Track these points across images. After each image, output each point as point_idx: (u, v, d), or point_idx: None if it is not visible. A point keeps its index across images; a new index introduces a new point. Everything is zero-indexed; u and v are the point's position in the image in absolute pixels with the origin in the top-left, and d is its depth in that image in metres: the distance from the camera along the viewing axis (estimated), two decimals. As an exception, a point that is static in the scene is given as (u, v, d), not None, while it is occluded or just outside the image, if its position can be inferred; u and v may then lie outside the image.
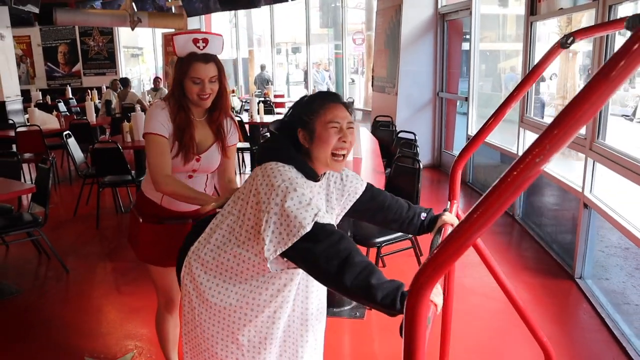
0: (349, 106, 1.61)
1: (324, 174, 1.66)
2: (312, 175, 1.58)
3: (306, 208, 1.39)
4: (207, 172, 2.25)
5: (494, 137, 5.60)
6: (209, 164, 2.21)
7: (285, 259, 1.44)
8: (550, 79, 7.89)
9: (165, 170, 2.06)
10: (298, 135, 1.57)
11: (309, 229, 1.36)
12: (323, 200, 1.70)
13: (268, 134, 1.67)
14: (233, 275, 1.57)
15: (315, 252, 1.35)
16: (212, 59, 2.10)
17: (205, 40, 2.08)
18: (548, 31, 5.56)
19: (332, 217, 1.73)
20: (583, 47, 6.17)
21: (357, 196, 1.76)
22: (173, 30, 11.78)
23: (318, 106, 1.57)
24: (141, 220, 2.22)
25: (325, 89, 10.81)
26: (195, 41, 2.07)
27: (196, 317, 1.64)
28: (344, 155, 1.57)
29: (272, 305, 1.59)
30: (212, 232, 1.62)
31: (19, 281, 3.94)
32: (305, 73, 11.90)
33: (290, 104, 1.71)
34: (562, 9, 4.04)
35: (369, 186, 1.80)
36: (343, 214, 1.79)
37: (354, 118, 1.66)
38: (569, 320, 3.26)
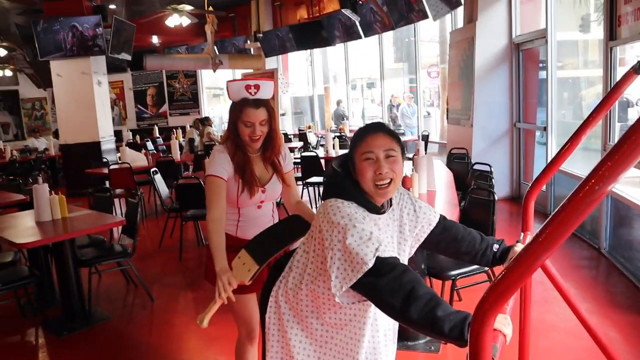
0: (391, 133, 1.62)
1: (390, 205, 1.68)
2: (374, 208, 1.61)
3: (367, 244, 1.43)
4: (272, 200, 2.45)
5: (576, 167, 5.38)
6: (273, 193, 2.41)
7: (354, 292, 1.49)
8: (637, 104, 7.49)
9: (216, 211, 2.24)
10: (350, 169, 1.63)
11: (371, 264, 1.39)
12: (395, 232, 1.72)
13: (331, 169, 1.72)
14: (314, 310, 1.64)
15: (379, 286, 1.39)
16: (262, 104, 2.26)
17: (257, 87, 2.24)
18: (635, 54, 5.33)
19: (406, 248, 1.75)
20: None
21: (432, 227, 1.76)
22: (252, 70, 12.34)
23: (355, 139, 1.63)
24: None
25: (414, 124, 10.66)
26: (248, 87, 2.23)
27: (285, 354, 1.72)
28: (387, 184, 1.58)
29: (351, 337, 1.64)
30: (290, 270, 1.71)
31: (109, 308, 4.21)
32: (390, 107, 11.93)
33: None
34: (644, 33, 3.89)
35: (442, 218, 1.80)
36: (417, 245, 1.80)
37: (404, 146, 1.66)
38: (663, 361, 3.04)
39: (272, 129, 2.33)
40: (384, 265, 1.40)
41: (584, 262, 4.60)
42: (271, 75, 12.04)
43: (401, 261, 1.59)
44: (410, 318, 1.33)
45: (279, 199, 2.57)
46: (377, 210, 1.62)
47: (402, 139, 1.83)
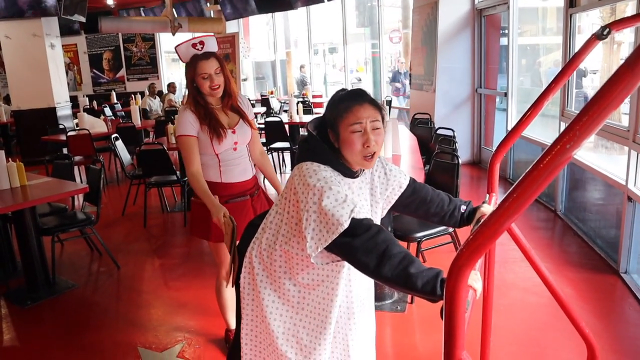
0: (375, 103, 1.63)
1: (362, 169, 1.71)
2: (349, 173, 1.64)
3: (342, 205, 1.46)
4: (245, 143, 2.64)
5: (535, 132, 5.54)
6: (244, 134, 2.61)
7: (329, 253, 1.52)
8: (594, 73, 7.70)
9: (193, 166, 2.48)
10: (329, 135, 1.63)
11: (346, 225, 1.43)
12: (367, 195, 1.75)
13: (306, 132, 1.73)
14: (287, 270, 1.67)
15: (354, 246, 1.42)
16: (211, 55, 2.47)
17: (202, 43, 2.46)
18: (591, 22, 5.46)
19: (378, 210, 1.79)
20: (628, 37, 6.02)
21: (402, 190, 1.80)
22: (212, 34, 12.04)
23: (342, 109, 1.61)
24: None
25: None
26: (194, 45, 2.45)
27: (258, 314, 1.74)
28: (373, 154, 1.60)
29: (324, 297, 1.68)
30: (263, 231, 1.72)
31: (74, 276, 4.16)
32: (396, 74, 11.73)
33: None
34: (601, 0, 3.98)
35: (412, 180, 1.84)
36: (388, 207, 1.83)
37: (385, 114, 1.68)
38: (613, 315, 3.23)
39: (226, 77, 2.52)
40: (359, 226, 1.43)
41: (541, 224, 4.79)
42: (232, 39, 11.80)
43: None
44: (385, 275, 1.38)
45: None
46: (352, 174, 1.65)
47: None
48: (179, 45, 2.46)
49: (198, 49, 2.45)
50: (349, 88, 1.78)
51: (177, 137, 2.52)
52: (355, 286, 1.77)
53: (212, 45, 2.48)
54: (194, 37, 2.51)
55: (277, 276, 1.69)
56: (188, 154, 2.49)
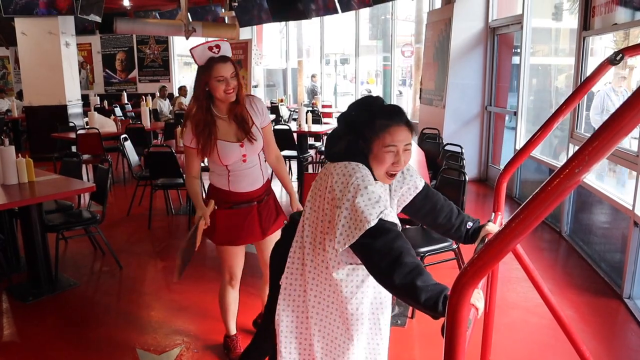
0: (410, 125, 1.65)
1: None
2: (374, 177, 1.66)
3: (374, 205, 1.49)
4: (256, 153, 2.61)
5: (544, 153, 5.53)
6: (254, 145, 2.56)
7: (353, 252, 1.55)
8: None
9: (191, 173, 2.60)
10: (359, 141, 1.64)
11: (373, 224, 1.45)
12: (387, 196, 1.76)
13: (337, 126, 1.73)
14: (325, 267, 1.67)
15: (373, 248, 1.45)
16: (228, 59, 2.47)
17: (218, 46, 2.44)
18: (604, 45, 5.46)
19: (393, 210, 1.79)
20: (640, 63, 6.01)
21: (417, 191, 1.82)
22: (225, 39, 12.11)
23: (379, 127, 1.61)
24: (216, 207, 2.56)
25: None
26: (210, 48, 2.43)
27: (302, 311, 1.79)
28: (396, 173, 1.65)
29: (354, 299, 1.68)
30: (301, 227, 1.74)
31: (76, 275, 4.17)
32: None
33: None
34: (616, 24, 3.98)
35: (426, 185, 1.85)
36: (402, 206, 1.85)
37: (415, 135, 1.72)
38: (615, 340, 3.20)
39: (239, 83, 2.50)
40: (383, 228, 1.46)
41: (546, 245, 4.77)
42: (245, 45, 11.87)
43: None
44: (393, 282, 1.40)
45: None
46: (374, 178, 1.66)
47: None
48: (194, 47, 2.45)
49: (214, 52, 2.44)
50: (373, 95, 1.79)
51: (184, 146, 2.60)
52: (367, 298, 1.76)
53: (227, 50, 2.48)
54: (209, 40, 2.52)
55: (317, 272, 1.70)
56: (187, 163, 2.62)
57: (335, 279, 1.66)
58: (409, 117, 1.68)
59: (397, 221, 1.52)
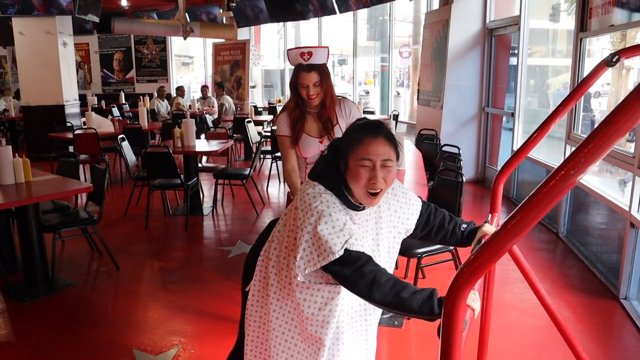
0: (391, 139, 1.55)
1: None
2: (352, 206, 1.58)
3: (338, 234, 1.45)
4: None
5: (540, 154, 5.54)
6: None
7: (324, 273, 1.52)
8: (597, 97, 7.70)
9: (288, 164, 2.85)
10: (340, 162, 1.58)
11: (338, 255, 1.43)
12: (372, 227, 1.68)
13: (327, 153, 1.68)
14: (288, 283, 1.63)
15: (343, 275, 1.45)
16: (314, 68, 2.66)
17: (310, 53, 2.63)
18: (601, 46, 5.47)
19: (383, 240, 1.72)
20: (638, 64, 6.02)
21: (417, 217, 1.78)
22: (223, 40, 12.12)
23: (354, 140, 1.54)
24: None
25: None
26: (302, 54, 2.63)
27: (263, 326, 1.74)
28: (377, 193, 1.54)
29: (315, 320, 1.62)
30: (272, 238, 1.72)
31: (73, 275, 4.16)
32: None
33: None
34: (612, 25, 3.99)
35: (424, 207, 1.81)
36: (403, 236, 1.79)
37: (401, 151, 1.61)
38: (611, 340, 3.21)
39: (327, 90, 2.73)
40: (349, 257, 1.44)
41: (542, 246, 4.78)
42: (243, 46, 11.88)
43: (378, 255, 1.64)
44: (377, 302, 1.41)
45: None
46: (355, 208, 1.60)
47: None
48: (291, 49, 2.68)
49: (304, 59, 2.63)
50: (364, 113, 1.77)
51: (276, 136, 2.88)
52: (345, 304, 1.69)
53: (320, 57, 2.65)
54: (306, 45, 2.71)
55: (282, 284, 1.66)
56: (283, 152, 2.86)
57: (297, 297, 1.61)
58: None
59: (371, 247, 1.51)
